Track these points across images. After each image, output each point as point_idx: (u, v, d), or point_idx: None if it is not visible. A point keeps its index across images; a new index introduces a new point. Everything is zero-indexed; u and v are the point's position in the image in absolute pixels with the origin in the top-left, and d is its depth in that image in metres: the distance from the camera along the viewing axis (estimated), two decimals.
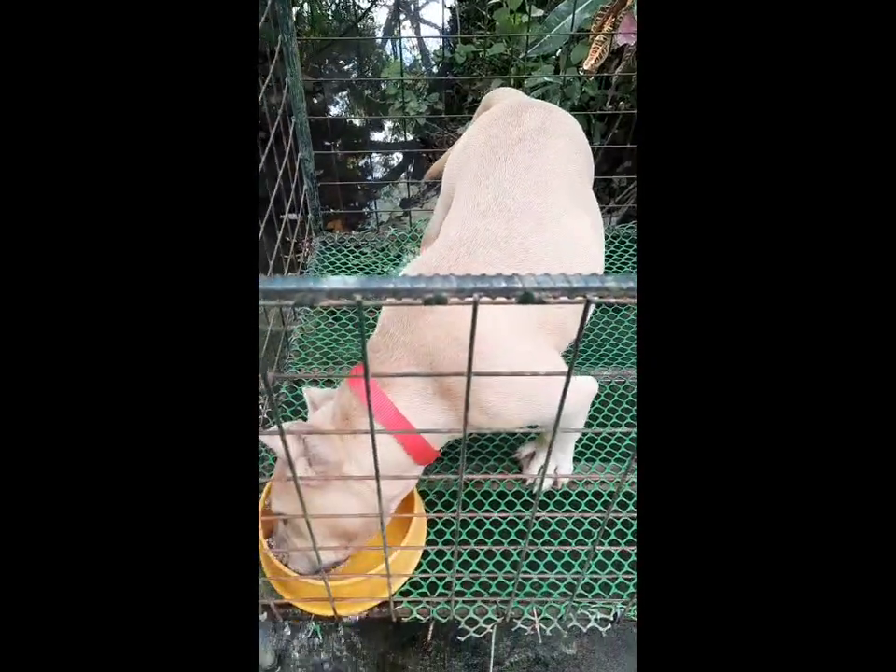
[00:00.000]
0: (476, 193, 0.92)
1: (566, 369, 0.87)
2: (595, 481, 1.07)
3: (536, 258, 0.86)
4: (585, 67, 1.95)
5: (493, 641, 1.11)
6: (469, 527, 1.02)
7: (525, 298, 0.44)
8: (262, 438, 0.77)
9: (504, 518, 1.02)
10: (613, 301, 0.45)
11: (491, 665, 1.10)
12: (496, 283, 0.44)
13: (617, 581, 0.94)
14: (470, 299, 0.44)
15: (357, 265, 1.52)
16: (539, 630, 0.90)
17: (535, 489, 1.04)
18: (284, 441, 0.57)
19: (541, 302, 0.45)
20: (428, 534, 1.00)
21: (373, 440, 0.54)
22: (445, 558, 0.97)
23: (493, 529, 1.01)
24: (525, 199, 0.88)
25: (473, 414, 0.82)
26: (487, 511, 1.03)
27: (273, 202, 1.15)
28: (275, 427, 0.86)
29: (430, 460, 0.87)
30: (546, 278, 0.44)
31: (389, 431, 0.79)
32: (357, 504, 0.79)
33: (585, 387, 0.92)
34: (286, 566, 0.88)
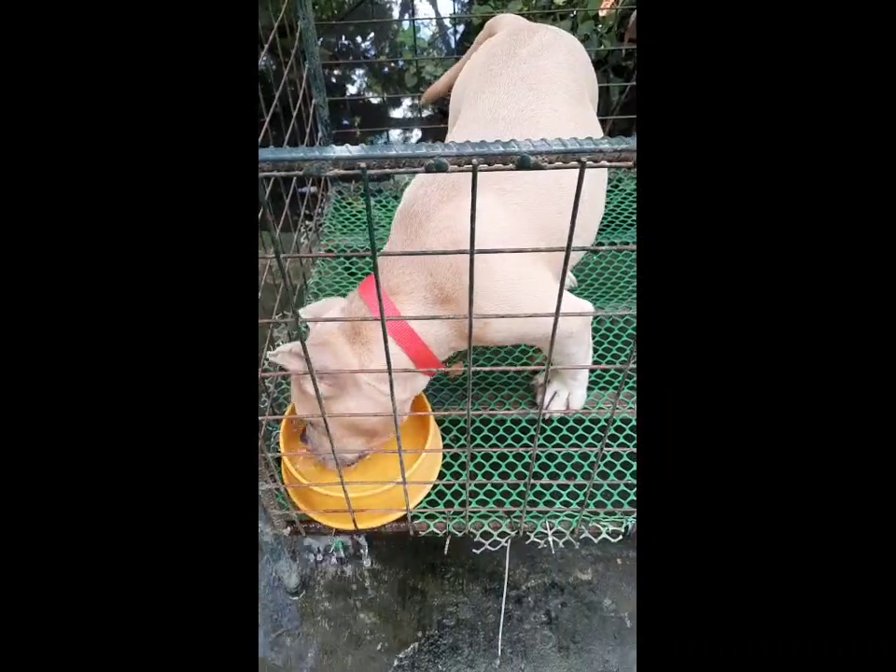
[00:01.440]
0: (474, 108, 0.93)
1: (557, 287, 0.90)
2: (607, 407, 1.09)
3: None
4: (602, 14, 1.93)
5: (507, 564, 1.14)
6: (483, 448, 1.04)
7: (523, 162, 0.46)
8: (272, 357, 0.82)
9: (514, 422, 1.04)
10: (607, 164, 0.47)
11: (505, 588, 1.13)
12: (493, 148, 0.46)
13: (629, 499, 0.96)
14: (469, 165, 0.46)
15: (375, 215, 1.54)
16: (551, 543, 0.93)
17: (547, 416, 1.07)
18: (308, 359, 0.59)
19: (538, 167, 0.46)
20: (444, 457, 1.03)
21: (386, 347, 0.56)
22: (461, 479, 1.00)
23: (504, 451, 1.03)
24: (519, 107, 0.90)
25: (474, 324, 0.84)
26: (502, 408, 1.06)
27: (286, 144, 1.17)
28: (282, 347, 0.89)
29: (433, 369, 0.90)
30: (542, 142, 0.46)
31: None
32: (372, 406, 0.83)
33: (581, 307, 0.94)
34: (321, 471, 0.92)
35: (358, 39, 3.49)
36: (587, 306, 0.94)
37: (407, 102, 2.85)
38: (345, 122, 2.60)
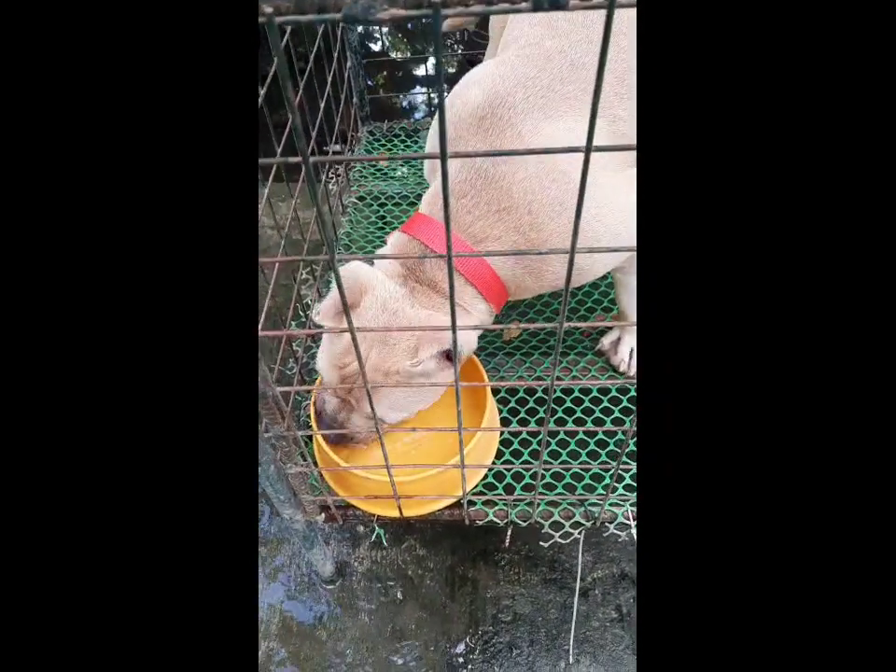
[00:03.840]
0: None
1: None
2: None
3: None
4: None
5: (580, 559, 0.99)
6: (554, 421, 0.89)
7: None
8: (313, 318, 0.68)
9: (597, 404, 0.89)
10: None
11: (577, 587, 0.99)
12: None
13: None
14: None
15: (400, 173, 1.37)
16: (635, 536, 0.78)
17: (630, 371, 0.91)
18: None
19: None
20: (502, 434, 0.88)
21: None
22: (522, 459, 0.85)
23: (585, 417, 0.88)
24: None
25: (557, 268, 0.70)
26: (569, 374, 0.90)
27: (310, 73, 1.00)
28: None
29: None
30: None
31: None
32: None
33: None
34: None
35: None
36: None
37: (432, 60, 2.63)
38: (370, 83, 2.41)
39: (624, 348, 0.91)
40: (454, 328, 0.45)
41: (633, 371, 0.91)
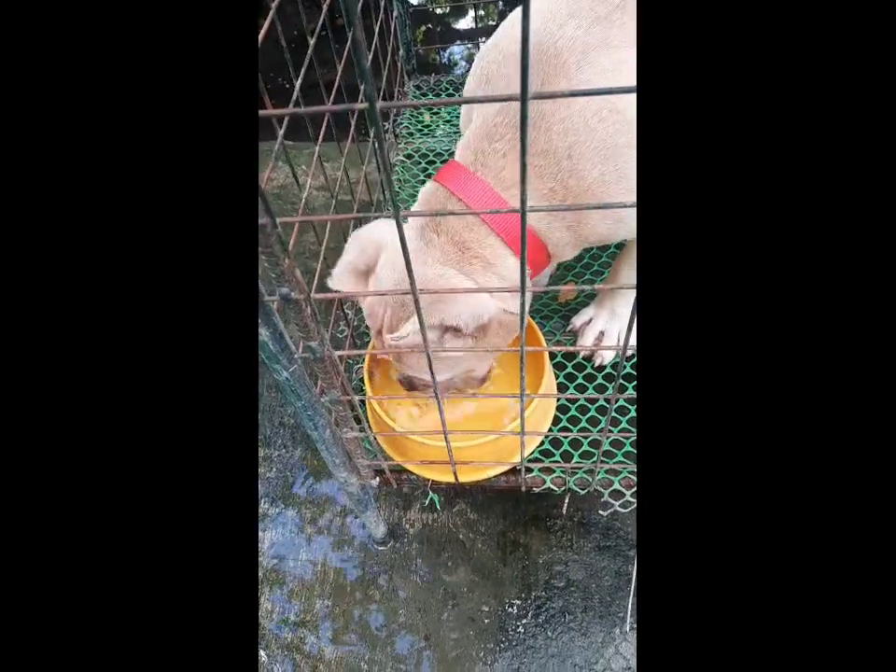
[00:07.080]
0: None
1: None
2: None
3: None
4: None
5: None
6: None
7: None
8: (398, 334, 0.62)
9: None
10: None
11: (637, 557, 0.97)
12: None
13: None
14: None
15: (458, 112, 1.32)
16: None
17: (597, 361, 0.87)
18: None
19: None
20: (559, 400, 0.85)
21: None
22: (580, 425, 0.83)
23: None
24: None
25: (595, 219, 0.65)
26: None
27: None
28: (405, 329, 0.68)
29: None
30: None
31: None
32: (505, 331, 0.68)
33: None
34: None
35: None
36: None
37: (472, 13, 2.51)
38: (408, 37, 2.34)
39: (591, 333, 0.87)
40: (521, 291, 0.42)
41: (601, 360, 0.87)
